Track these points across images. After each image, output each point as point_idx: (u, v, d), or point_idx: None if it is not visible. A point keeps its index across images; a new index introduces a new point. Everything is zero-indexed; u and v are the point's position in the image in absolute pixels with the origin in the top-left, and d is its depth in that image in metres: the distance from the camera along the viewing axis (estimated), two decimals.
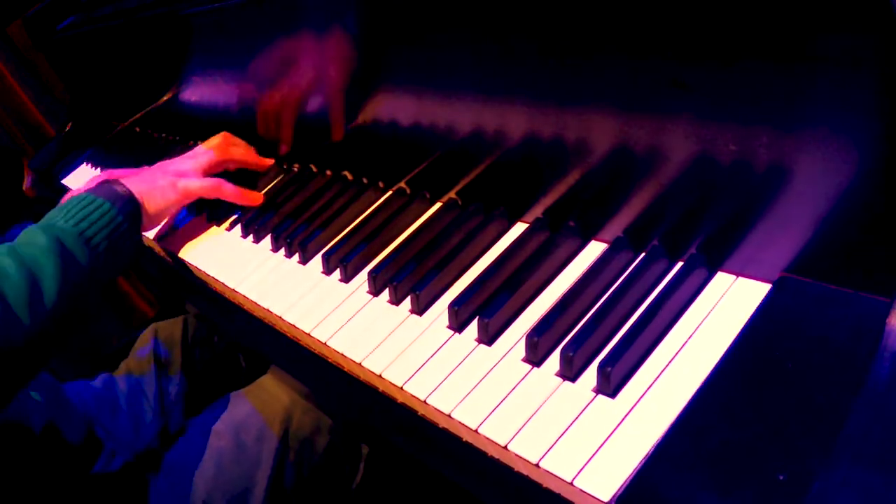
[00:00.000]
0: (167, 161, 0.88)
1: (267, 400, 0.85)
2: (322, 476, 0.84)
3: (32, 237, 0.67)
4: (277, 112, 0.93)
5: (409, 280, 0.63)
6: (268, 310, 0.70)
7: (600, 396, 0.47)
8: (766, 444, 0.39)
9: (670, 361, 0.47)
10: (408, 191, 0.77)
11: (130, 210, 0.76)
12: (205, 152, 0.88)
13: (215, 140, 0.90)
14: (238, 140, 0.92)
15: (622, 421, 0.45)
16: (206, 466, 0.79)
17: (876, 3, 0.37)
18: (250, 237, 0.84)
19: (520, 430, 0.47)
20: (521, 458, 0.45)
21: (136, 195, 0.79)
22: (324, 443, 0.84)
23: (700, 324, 0.49)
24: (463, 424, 0.49)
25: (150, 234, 0.94)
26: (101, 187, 0.77)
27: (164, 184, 0.82)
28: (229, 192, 0.86)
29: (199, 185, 0.85)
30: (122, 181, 0.80)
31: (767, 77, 0.44)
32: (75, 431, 0.82)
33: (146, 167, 0.86)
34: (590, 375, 0.49)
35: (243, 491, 0.79)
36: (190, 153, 0.89)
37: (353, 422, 0.85)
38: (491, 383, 0.51)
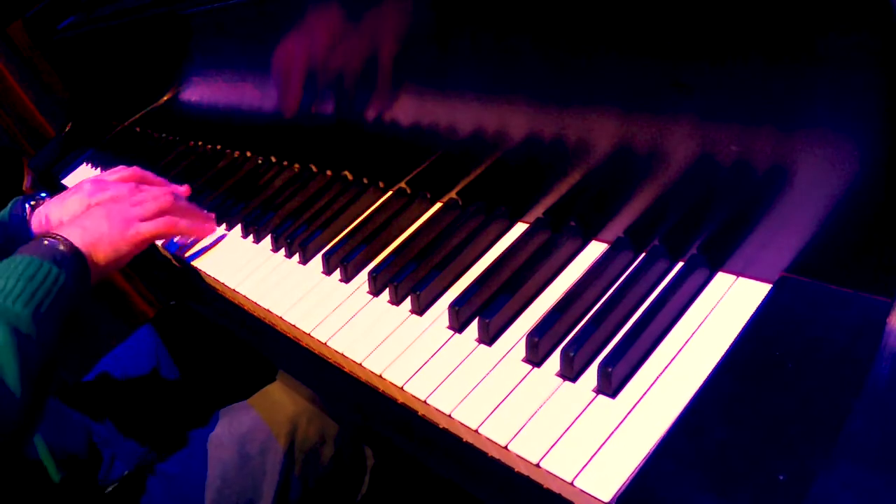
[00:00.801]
0: (109, 201, 0.82)
1: (272, 410, 0.84)
2: (328, 488, 0.84)
3: None
4: (277, 110, 0.93)
5: (410, 280, 0.63)
6: (268, 310, 0.70)
7: (601, 397, 0.47)
8: (767, 444, 0.39)
9: (671, 361, 0.47)
10: (408, 191, 0.77)
11: (77, 269, 0.71)
12: (154, 199, 0.82)
13: (168, 195, 0.84)
14: (185, 203, 0.87)
15: (623, 421, 0.45)
16: (210, 479, 0.79)
17: (876, 4, 0.37)
18: (250, 237, 0.84)
19: (520, 430, 0.47)
20: (521, 458, 0.45)
21: (82, 248, 0.73)
22: (329, 454, 0.83)
23: (701, 324, 0.49)
24: (463, 425, 0.49)
25: None
26: (43, 245, 0.71)
27: (112, 232, 0.77)
28: (184, 227, 0.82)
29: (151, 229, 0.79)
30: (64, 233, 0.74)
31: (768, 77, 0.44)
32: (77, 441, 0.81)
33: (91, 206, 0.81)
34: (590, 376, 0.49)
35: (248, 503, 0.79)
36: (133, 198, 0.82)
37: (357, 427, 0.85)
38: (491, 383, 0.51)
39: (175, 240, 0.91)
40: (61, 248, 0.72)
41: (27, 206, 0.93)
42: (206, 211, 0.88)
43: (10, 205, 0.93)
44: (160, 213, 0.81)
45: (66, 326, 0.69)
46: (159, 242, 0.92)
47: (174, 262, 0.91)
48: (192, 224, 0.83)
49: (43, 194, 0.97)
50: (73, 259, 0.71)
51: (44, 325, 0.65)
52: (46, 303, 0.66)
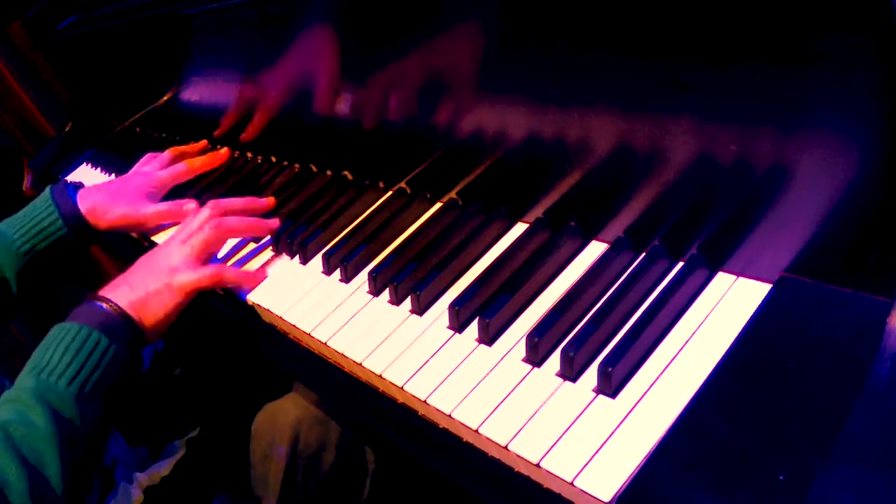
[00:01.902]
0: (153, 252, 0.76)
1: (274, 416, 0.83)
2: (329, 493, 0.83)
3: (26, 414, 0.58)
4: (277, 110, 0.93)
5: (410, 280, 0.63)
6: (268, 310, 0.70)
7: (601, 396, 0.47)
8: (767, 444, 0.39)
9: (671, 361, 0.47)
10: (408, 191, 0.77)
11: (129, 337, 0.66)
12: (196, 231, 0.75)
13: (204, 213, 0.77)
14: (231, 202, 0.81)
15: (623, 421, 0.45)
16: (213, 484, 0.78)
17: (876, 4, 0.37)
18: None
19: (520, 430, 0.47)
20: (521, 458, 0.45)
21: (129, 311, 0.68)
22: (331, 459, 0.83)
23: (701, 324, 0.49)
24: (463, 425, 0.49)
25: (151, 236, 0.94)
26: (90, 311, 0.66)
27: (157, 286, 0.70)
28: (231, 278, 0.74)
29: (198, 278, 0.72)
30: (109, 296, 0.68)
31: (768, 78, 0.44)
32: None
33: (132, 269, 0.73)
34: (590, 375, 0.49)
35: None
36: (175, 236, 0.76)
37: (358, 429, 0.84)
38: (491, 383, 0.51)
39: None
40: (108, 309, 0.66)
41: (70, 188, 0.91)
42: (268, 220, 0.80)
43: (47, 190, 0.91)
44: (208, 249, 0.75)
45: (116, 399, 0.64)
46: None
47: None
48: (240, 274, 0.74)
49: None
50: (123, 326, 0.66)
51: (90, 405, 0.60)
52: (94, 378, 0.61)
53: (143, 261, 0.74)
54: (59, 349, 0.62)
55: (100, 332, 0.64)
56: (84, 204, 0.89)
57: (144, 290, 0.69)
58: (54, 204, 0.88)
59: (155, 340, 0.72)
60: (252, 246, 0.83)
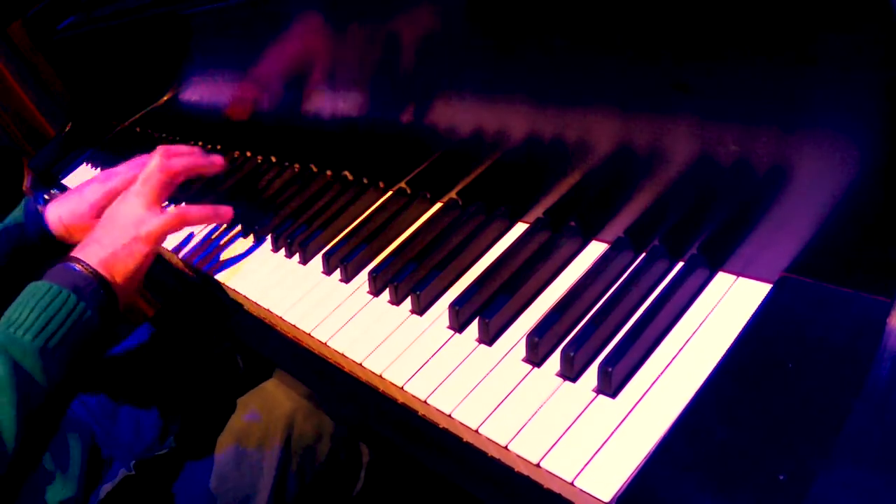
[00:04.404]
0: (113, 208, 0.77)
1: (268, 406, 0.84)
2: (324, 484, 0.84)
3: None
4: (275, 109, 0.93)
5: (410, 280, 0.63)
6: (268, 310, 0.70)
7: (601, 396, 0.47)
8: (767, 444, 0.39)
9: (671, 361, 0.47)
10: (408, 191, 0.77)
11: (100, 296, 0.66)
12: (146, 179, 0.77)
13: (153, 160, 0.79)
14: (178, 147, 0.83)
15: (623, 421, 0.45)
16: (207, 475, 0.79)
17: (876, 4, 0.37)
18: (250, 237, 0.84)
19: (520, 430, 0.47)
20: (521, 458, 0.45)
21: (101, 269, 0.68)
22: (325, 450, 0.83)
23: (701, 324, 0.49)
24: (463, 425, 0.49)
25: None
26: (63, 272, 0.67)
27: (126, 240, 0.71)
28: (196, 215, 0.77)
29: (162, 224, 0.74)
30: (80, 256, 0.69)
31: (768, 77, 0.44)
32: (81, 442, 0.81)
33: (98, 226, 0.75)
34: (590, 375, 0.49)
35: (244, 499, 0.79)
36: (130, 189, 0.78)
37: (355, 424, 0.85)
38: (491, 383, 0.51)
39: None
40: (79, 269, 0.67)
41: (41, 199, 0.90)
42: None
43: (22, 203, 0.91)
44: (160, 192, 0.76)
45: (84, 362, 0.64)
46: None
47: (172, 262, 0.92)
48: (205, 210, 0.78)
49: (53, 190, 0.96)
50: (94, 284, 0.67)
51: (53, 361, 0.61)
52: (59, 334, 0.62)
53: (106, 217, 0.76)
54: (27, 305, 0.63)
55: (70, 290, 0.65)
56: (53, 222, 0.89)
57: (112, 246, 0.71)
58: (25, 222, 0.89)
59: (129, 299, 0.73)
60: (248, 244, 0.83)
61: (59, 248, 0.90)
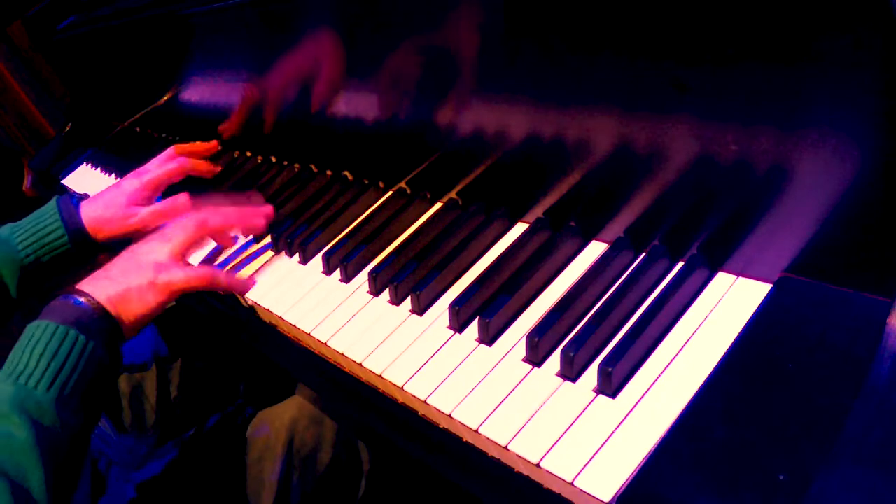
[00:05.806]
0: (135, 247, 0.72)
1: (270, 416, 0.83)
2: (325, 491, 0.83)
3: (5, 425, 0.55)
4: (275, 110, 0.93)
5: (410, 280, 0.63)
6: (268, 310, 0.70)
7: (601, 396, 0.47)
8: (767, 444, 0.39)
9: (671, 361, 0.47)
10: (408, 191, 0.77)
11: (107, 332, 0.62)
12: (181, 228, 0.72)
13: (196, 214, 0.75)
14: (223, 198, 0.81)
15: (623, 421, 0.45)
16: (209, 489, 0.78)
17: (876, 4, 0.37)
18: (250, 237, 0.84)
19: (520, 430, 0.47)
20: (521, 458, 0.45)
21: (108, 306, 0.64)
22: (326, 458, 0.83)
23: (701, 324, 0.49)
24: (463, 425, 0.49)
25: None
26: (64, 307, 0.62)
27: (142, 282, 0.66)
28: (223, 282, 0.71)
29: (186, 278, 0.68)
30: (87, 289, 0.65)
31: (768, 77, 0.44)
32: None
33: (113, 262, 0.69)
34: (590, 375, 0.49)
35: None
36: (159, 232, 0.73)
37: (355, 427, 0.85)
38: (491, 383, 0.51)
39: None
40: (85, 305, 0.63)
41: (74, 199, 0.88)
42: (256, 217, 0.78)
43: (54, 201, 0.87)
44: (190, 246, 0.73)
45: (99, 400, 0.61)
46: None
47: None
48: (233, 280, 0.73)
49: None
50: (100, 322, 0.63)
51: (71, 408, 0.57)
52: (74, 380, 0.58)
53: (125, 255, 0.70)
54: (35, 350, 0.59)
55: (76, 329, 0.61)
56: (87, 218, 0.87)
57: (125, 284, 0.66)
58: (61, 219, 0.85)
59: (131, 337, 0.68)
60: (254, 247, 0.83)
61: (89, 247, 0.87)
